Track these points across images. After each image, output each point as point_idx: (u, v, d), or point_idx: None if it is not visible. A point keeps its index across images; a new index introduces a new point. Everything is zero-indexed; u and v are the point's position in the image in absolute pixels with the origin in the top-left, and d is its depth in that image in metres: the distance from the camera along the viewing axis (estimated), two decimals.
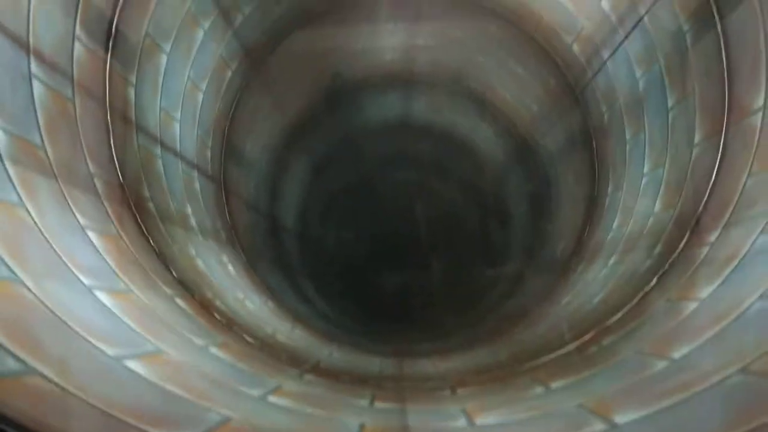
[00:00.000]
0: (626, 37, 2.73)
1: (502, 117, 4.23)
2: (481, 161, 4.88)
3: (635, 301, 2.04)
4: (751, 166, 1.83)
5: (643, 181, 2.64)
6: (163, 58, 2.56)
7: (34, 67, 1.66)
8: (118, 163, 2.02)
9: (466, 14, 3.54)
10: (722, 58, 2.14)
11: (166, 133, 2.60)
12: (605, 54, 2.95)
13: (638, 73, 2.74)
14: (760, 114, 1.91)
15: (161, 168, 2.47)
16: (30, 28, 1.68)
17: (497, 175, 4.80)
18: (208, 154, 3.17)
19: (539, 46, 3.46)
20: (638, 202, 2.62)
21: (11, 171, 1.31)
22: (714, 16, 2.17)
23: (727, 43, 2.13)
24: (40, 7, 1.73)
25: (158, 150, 2.49)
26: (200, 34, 2.81)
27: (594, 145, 3.30)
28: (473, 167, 4.98)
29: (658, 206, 2.41)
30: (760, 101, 1.91)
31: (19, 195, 1.30)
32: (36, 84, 1.65)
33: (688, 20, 2.33)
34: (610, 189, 3.05)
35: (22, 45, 1.64)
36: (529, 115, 3.97)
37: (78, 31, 1.93)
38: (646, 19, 2.56)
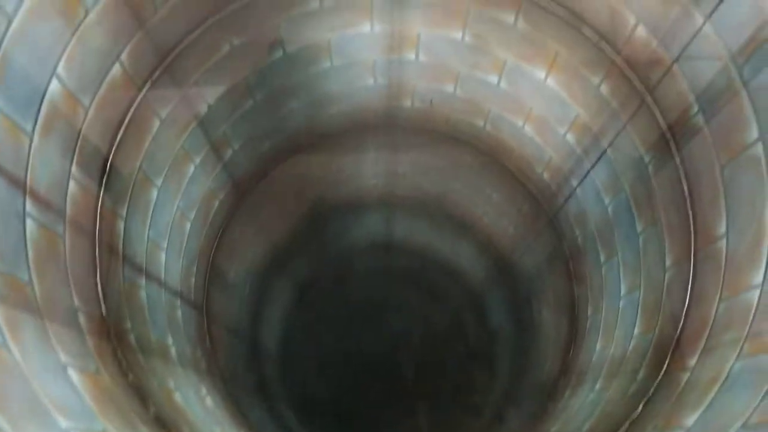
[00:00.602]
0: (592, 167, 2.93)
1: (481, 239, 4.36)
2: (463, 281, 4.94)
3: (623, 429, 2.00)
4: (722, 291, 1.90)
5: (621, 304, 2.70)
6: (154, 192, 2.66)
7: (29, 206, 1.72)
8: (102, 296, 2.03)
9: (444, 146, 3.77)
10: (683, 187, 2.30)
11: (152, 263, 2.63)
12: (574, 182, 3.13)
13: (606, 200, 2.90)
14: (724, 240, 2.02)
15: (144, 298, 2.48)
16: (28, 169, 1.77)
17: (479, 294, 4.84)
18: (192, 281, 3.18)
19: (513, 175, 3.66)
20: (618, 324, 2.66)
21: None
22: (671, 148, 2.36)
23: (686, 172, 2.30)
24: (40, 149, 1.83)
25: (143, 281, 2.51)
26: (191, 169, 2.94)
27: (571, 267, 3.39)
28: (456, 288, 5.04)
29: (637, 329, 2.44)
30: (723, 228, 2.03)
31: (3, 335, 1.30)
32: (29, 222, 1.70)
33: (648, 152, 2.53)
34: (590, 311, 3.09)
35: (19, 185, 1.71)
36: (507, 237, 4.10)
37: (74, 169, 2.03)
38: (609, 150, 2.76)
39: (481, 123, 3.50)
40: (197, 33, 2.49)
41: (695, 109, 2.16)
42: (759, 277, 1.73)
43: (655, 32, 2.25)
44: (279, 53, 2.95)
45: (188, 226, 3.07)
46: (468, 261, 4.73)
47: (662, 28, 2.20)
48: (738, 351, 1.60)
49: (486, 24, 2.83)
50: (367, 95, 3.47)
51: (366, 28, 2.97)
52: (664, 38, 2.21)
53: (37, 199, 1.78)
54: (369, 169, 4.13)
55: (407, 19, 2.95)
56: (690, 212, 2.22)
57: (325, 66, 3.17)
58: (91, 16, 1.96)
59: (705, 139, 2.14)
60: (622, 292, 2.72)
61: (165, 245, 2.81)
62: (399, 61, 3.20)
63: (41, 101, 1.85)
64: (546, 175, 3.41)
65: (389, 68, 3.26)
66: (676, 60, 2.17)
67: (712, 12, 1.95)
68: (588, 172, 2.97)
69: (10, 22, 1.67)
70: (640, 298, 2.52)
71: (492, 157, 3.68)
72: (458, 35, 2.96)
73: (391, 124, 3.67)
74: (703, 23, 2.00)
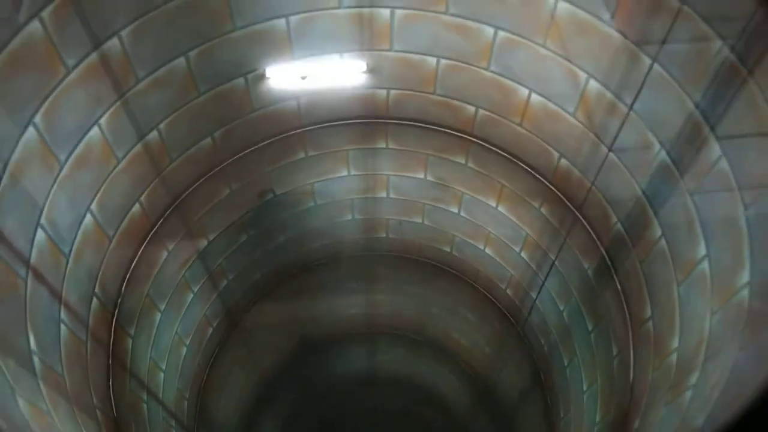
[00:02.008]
0: (545, 279, 3.33)
1: (460, 362, 4.59)
2: (446, 411, 5.04)
3: None
4: (653, 361, 2.22)
5: (584, 398, 2.95)
6: (158, 316, 2.98)
7: (63, 314, 2.05)
8: (114, 401, 2.27)
9: (418, 272, 4.19)
10: (616, 284, 2.70)
11: (152, 382, 2.86)
12: (533, 294, 3.52)
13: (561, 307, 3.27)
14: (651, 322, 2.38)
15: (146, 412, 2.68)
16: (64, 284, 2.12)
17: (463, 423, 4.92)
18: (185, 405, 3.35)
19: (482, 294, 4.04)
20: (584, 417, 2.89)
21: (42, 387, 1.60)
22: (602, 253, 2.79)
23: (616, 270, 2.71)
24: (73, 269, 2.20)
25: (145, 395, 2.72)
26: (190, 296, 3.29)
27: (541, 376, 3.64)
28: (440, 419, 5.10)
29: (598, 416, 2.68)
30: (648, 312, 2.41)
31: (48, 406, 1.55)
32: (62, 327, 2.02)
33: (586, 259, 2.96)
34: (561, 412, 3.30)
35: (57, 296, 2.05)
36: (485, 357, 4.35)
37: (97, 289, 2.38)
38: (556, 263, 3.19)
39: (448, 248, 3.96)
40: (203, 179, 3.00)
41: (614, 219, 2.64)
42: (675, 342, 2.08)
43: (574, 163, 2.80)
44: (270, 196, 3.46)
45: (184, 350, 3.32)
46: (450, 387, 4.90)
47: (579, 159, 2.76)
48: (666, 400, 1.89)
49: (443, 166, 3.41)
50: (347, 229, 3.95)
51: (344, 173, 3.53)
52: (582, 167, 2.76)
53: (69, 309, 2.11)
54: (350, 301, 4.49)
55: (378, 166, 3.53)
56: (624, 304, 2.60)
57: (310, 205, 3.68)
58: (121, 164, 2.45)
59: (626, 243, 2.59)
60: (584, 387, 2.99)
61: (164, 366, 3.05)
62: (373, 199, 3.73)
63: (77, 231, 2.26)
64: (510, 292, 3.80)
65: (365, 205, 3.78)
66: (593, 182, 2.70)
67: (612, 144, 2.51)
68: (543, 284, 3.37)
69: (61, 169, 2.13)
70: (598, 389, 2.79)
71: (463, 280, 4.09)
72: (422, 176, 3.52)
73: (369, 255, 4.11)
74: (607, 154, 2.56)
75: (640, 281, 2.47)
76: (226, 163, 3.07)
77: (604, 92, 2.40)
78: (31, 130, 1.90)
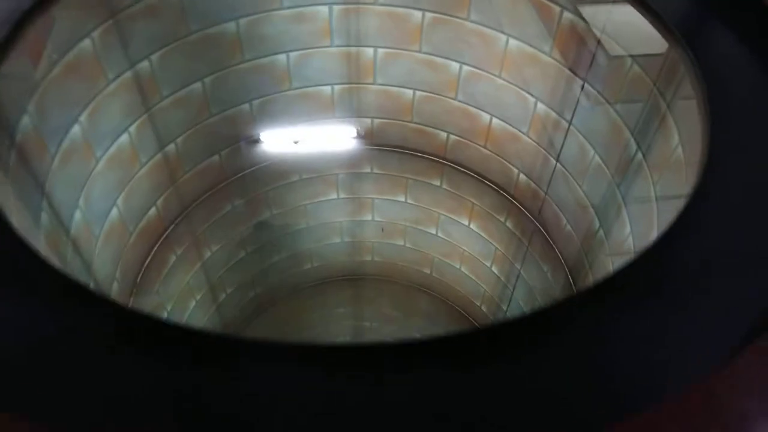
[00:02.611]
0: (513, 290, 3.71)
1: None
2: None
3: None
4: None
5: None
6: (164, 315, 3.30)
7: (93, 285, 2.40)
8: None
9: (401, 295, 4.53)
10: (570, 280, 3.08)
11: None
12: (504, 307, 3.87)
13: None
14: None
15: None
16: (93, 260, 2.49)
17: None
18: None
19: (460, 313, 4.38)
20: None
21: None
22: (558, 254, 3.19)
23: (569, 268, 3.09)
24: (100, 253, 2.57)
25: None
26: (192, 303, 3.62)
27: None
28: None
29: None
30: None
31: None
32: None
33: (545, 263, 3.35)
34: None
35: (87, 268, 2.41)
36: None
37: (117, 274, 2.74)
38: (522, 271, 3.58)
39: (428, 270, 4.33)
40: (210, 192, 3.41)
41: (564, 221, 3.06)
42: None
43: (530, 177, 3.26)
44: (267, 215, 3.88)
45: None
46: None
47: (534, 173, 3.22)
48: None
49: (420, 188, 3.86)
50: (336, 252, 4.34)
51: (333, 196, 3.97)
52: (537, 180, 3.22)
53: (98, 284, 2.46)
54: (337, 325, 4.79)
55: (363, 189, 3.97)
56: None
57: (302, 226, 4.08)
58: (144, 169, 2.88)
59: (574, 240, 3.00)
60: None
61: None
62: (360, 222, 4.15)
63: (105, 220, 2.65)
64: (484, 308, 4.14)
65: (353, 228, 4.19)
66: (546, 192, 3.14)
67: (558, 156, 2.98)
68: (512, 295, 3.74)
69: (96, 164, 2.55)
70: None
71: (442, 300, 4.44)
72: (402, 198, 3.96)
73: (356, 278, 4.47)
74: (555, 165, 3.02)
75: (587, 271, 2.86)
76: (229, 180, 3.51)
77: (550, 112, 2.90)
78: (77, 126, 2.33)
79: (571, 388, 0.90)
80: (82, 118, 2.35)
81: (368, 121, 3.53)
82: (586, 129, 2.72)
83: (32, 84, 2.03)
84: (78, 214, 2.39)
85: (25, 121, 2.00)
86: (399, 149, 3.65)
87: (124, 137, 2.66)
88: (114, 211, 2.71)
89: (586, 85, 2.62)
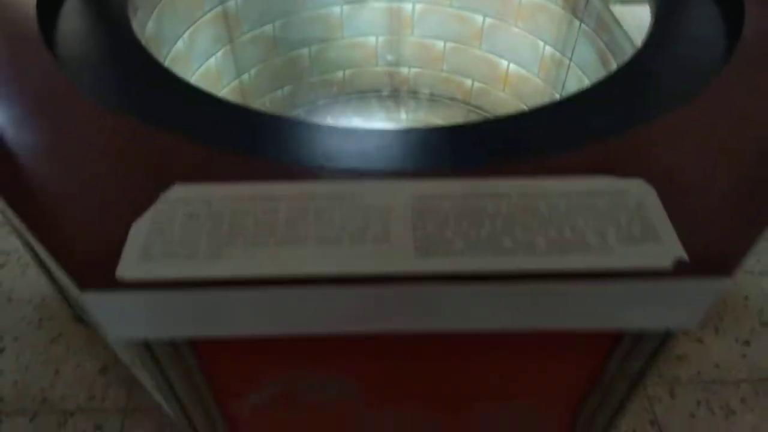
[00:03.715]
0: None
1: None
2: None
3: None
4: None
5: None
6: None
7: None
8: None
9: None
10: None
11: None
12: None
13: None
14: None
15: None
16: None
17: None
18: None
19: None
20: None
21: None
22: None
23: None
24: None
25: None
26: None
27: None
28: None
29: None
30: None
31: None
32: None
33: None
34: None
35: None
36: None
37: None
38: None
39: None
40: None
41: None
42: None
43: None
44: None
45: None
46: None
47: None
48: None
49: None
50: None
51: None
52: None
53: None
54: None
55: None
56: None
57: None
58: (223, 91, 3.60)
59: None
60: None
61: None
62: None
63: None
64: None
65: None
66: None
67: (561, 91, 3.55)
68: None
69: (191, 76, 3.28)
70: None
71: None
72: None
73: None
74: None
75: None
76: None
77: (554, 53, 3.48)
78: (180, 42, 3.08)
79: None
80: (186, 36, 3.10)
81: (406, 69, 4.19)
82: (582, 62, 3.30)
83: None
84: None
85: (150, 25, 2.75)
86: (431, 97, 4.29)
87: (212, 60, 3.40)
88: None
89: (582, 24, 3.21)
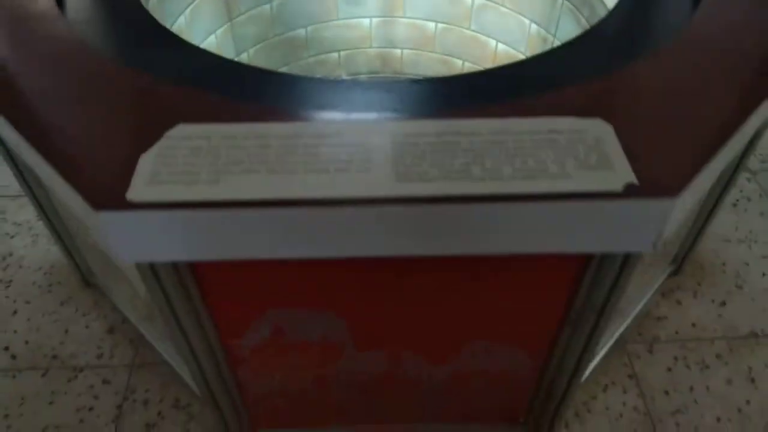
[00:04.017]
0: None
1: None
2: None
3: None
4: None
5: None
6: None
7: None
8: None
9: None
10: None
11: None
12: None
13: None
14: None
15: None
16: None
17: None
18: None
19: None
20: None
21: None
22: None
23: None
24: None
25: None
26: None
27: None
28: None
29: None
30: None
31: None
32: None
33: None
34: None
35: None
36: None
37: None
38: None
39: None
40: None
41: None
42: None
43: None
44: None
45: None
46: None
47: None
48: None
49: None
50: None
51: None
52: None
53: None
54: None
55: None
56: None
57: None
58: None
59: None
60: None
61: None
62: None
63: None
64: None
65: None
66: None
67: None
68: None
69: None
70: None
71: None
72: None
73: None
74: None
75: None
76: None
77: (540, 30, 3.61)
78: (182, 18, 3.20)
79: None
80: (187, 12, 3.22)
81: (398, 51, 4.32)
82: (564, 37, 3.43)
83: None
84: None
85: (153, 0, 2.87)
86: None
87: (212, 38, 3.53)
88: None
89: (564, 1, 3.33)
